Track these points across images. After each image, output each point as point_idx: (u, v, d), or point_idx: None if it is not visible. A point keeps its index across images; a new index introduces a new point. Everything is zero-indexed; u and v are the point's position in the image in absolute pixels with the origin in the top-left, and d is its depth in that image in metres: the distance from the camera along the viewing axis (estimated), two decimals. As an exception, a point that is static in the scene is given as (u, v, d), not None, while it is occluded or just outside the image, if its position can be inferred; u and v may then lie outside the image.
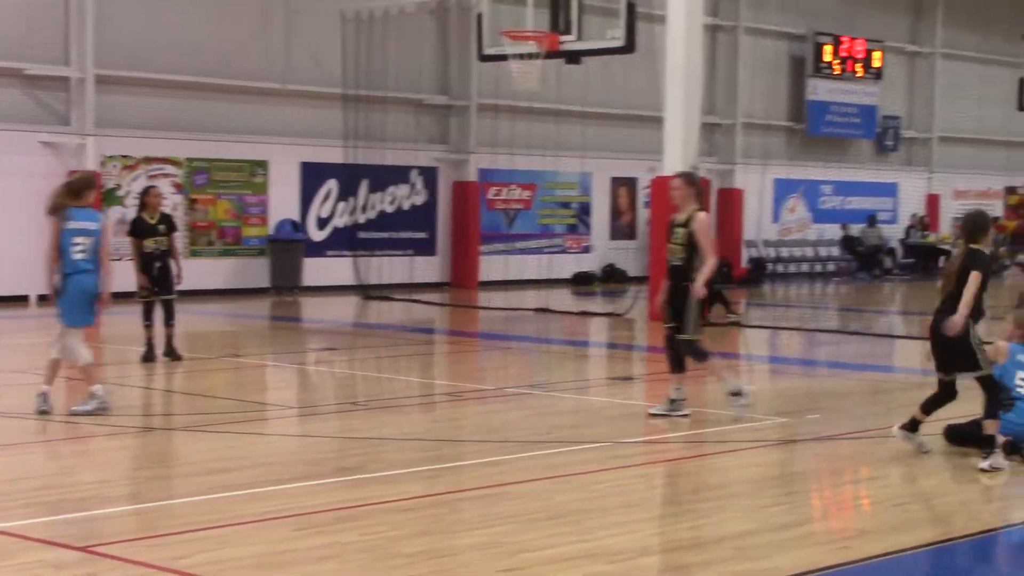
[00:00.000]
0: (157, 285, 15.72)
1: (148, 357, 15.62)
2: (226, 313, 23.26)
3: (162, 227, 15.82)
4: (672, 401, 12.09)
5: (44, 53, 24.29)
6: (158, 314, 15.74)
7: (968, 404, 10.55)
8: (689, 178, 12.29)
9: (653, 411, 12.16)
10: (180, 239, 16.52)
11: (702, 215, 11.96)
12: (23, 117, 24.12)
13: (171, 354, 15.75)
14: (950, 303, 10.11)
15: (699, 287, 11.79)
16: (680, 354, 12.10)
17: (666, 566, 7.56)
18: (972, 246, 10.20)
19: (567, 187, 31.66)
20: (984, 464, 9.83)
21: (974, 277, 10.03)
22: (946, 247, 34.19)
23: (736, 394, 12.19)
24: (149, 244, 15.71)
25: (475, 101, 29.62)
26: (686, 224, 11.91)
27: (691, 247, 11.86)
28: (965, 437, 10.38)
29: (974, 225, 10.34)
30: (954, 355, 10.20)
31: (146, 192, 16.25)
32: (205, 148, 26.18)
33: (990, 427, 9.97)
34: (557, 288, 26.60)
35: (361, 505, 8.62)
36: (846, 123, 37.11)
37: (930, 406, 10.43)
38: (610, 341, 20.35)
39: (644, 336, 20.54)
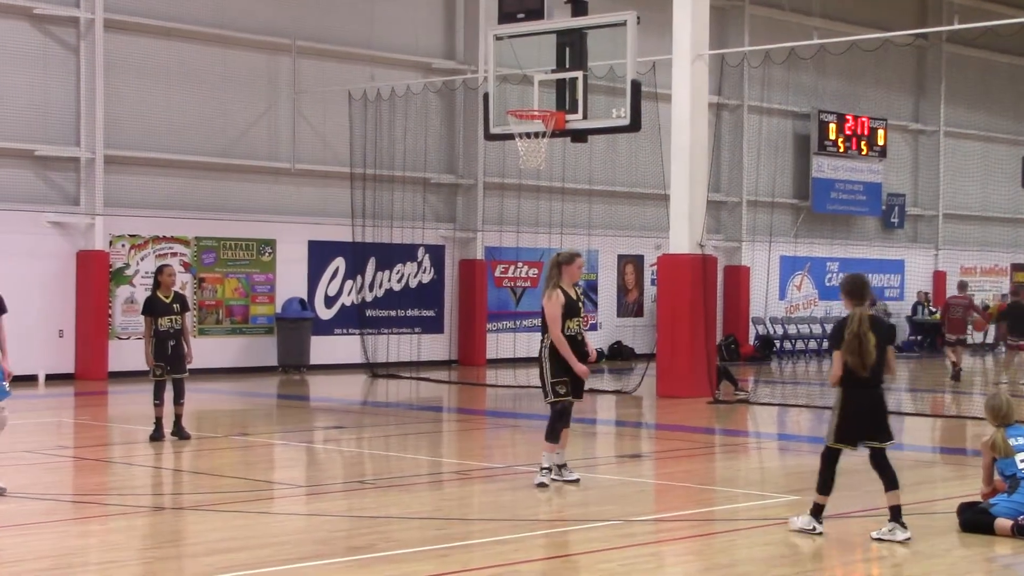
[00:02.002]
0: (170, 364, 15.73)
1: (156, 436, 15.60)
2: (234, 391, 23.25)
3: (176, 306, 15.82)
4: (560, 467, 12.72)
5: (54, 134, 24.50)
6: (168, 393, 15.74)
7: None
8: None
9: (541, 481, 12.55)
10: (189, 318, 16.48)
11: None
12: (32, 197, 24.28)
13: (179, 433, 15.72)
14: (877, 373, 10.12)
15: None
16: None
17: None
18: (865, 311, 10.16)
19: (574, 265, 31.69)
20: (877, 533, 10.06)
21: (892, 351, 10.27)
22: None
23: (562, 467, 12.78)
24: (164, 323, 15.71)
25: (482, 179, 29.79)
26: (579, 298, 12.73)
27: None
28: (976, 525, 10.27)
29: (863, 285, 10.31)
30: (884, 422, 10.29)
31: (160, 271, 16.15)
32: (213, 227, 26.31)
33: (893, 498, 10.08)
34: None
35: (370, 585, 8.57)
36: (851, 200, 37.26)
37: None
38: (618, 419, 20.30)
39: (652, 414, 20.49)
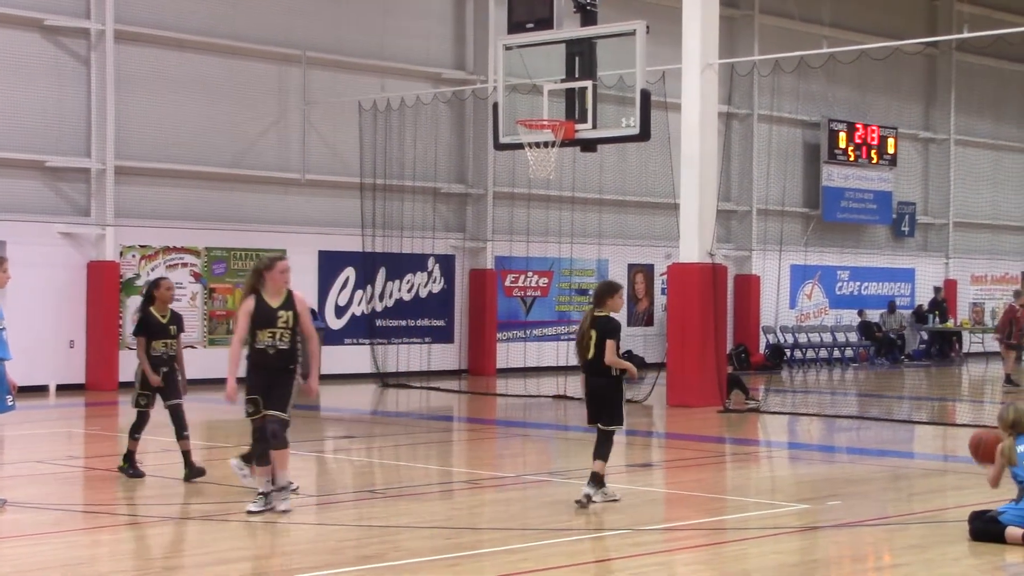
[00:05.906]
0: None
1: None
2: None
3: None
4: (264, 495, 11.70)
5: (65, 145, 24.55)
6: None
7: (997, 492, 10.48)
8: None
9: (251, 508, 11.54)
10: (183, 337, 14.99)
11: (300, 293, 12.12)
12: (43, 208, 24.33)
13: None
14: (595, 364, 11.83)
15: (316, 384, 12.41)
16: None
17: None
18: (599, 313, 11.81)
19: (584, 274, 31.73)
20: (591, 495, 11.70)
21: (610, 345, 11.67)
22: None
23: (283, 489, 11.78)
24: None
25: (491, 189, 29.81)
26: (287, 306, 11.96)
27: (295, 329, 11.83)
28: (987, 534, 10.26)
29: (602, 292, 11.99)
30: (602, 408, 11.93)
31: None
32: (223, 238, 26.34)
33: (599, 467, 11.84)
34: (575, 375, 26.55)
35: (380, 594, 8.56)
36: (862, 209, 37.21)
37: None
38: (628, 428, 20.18)
39: (663, 423, 20.47)
